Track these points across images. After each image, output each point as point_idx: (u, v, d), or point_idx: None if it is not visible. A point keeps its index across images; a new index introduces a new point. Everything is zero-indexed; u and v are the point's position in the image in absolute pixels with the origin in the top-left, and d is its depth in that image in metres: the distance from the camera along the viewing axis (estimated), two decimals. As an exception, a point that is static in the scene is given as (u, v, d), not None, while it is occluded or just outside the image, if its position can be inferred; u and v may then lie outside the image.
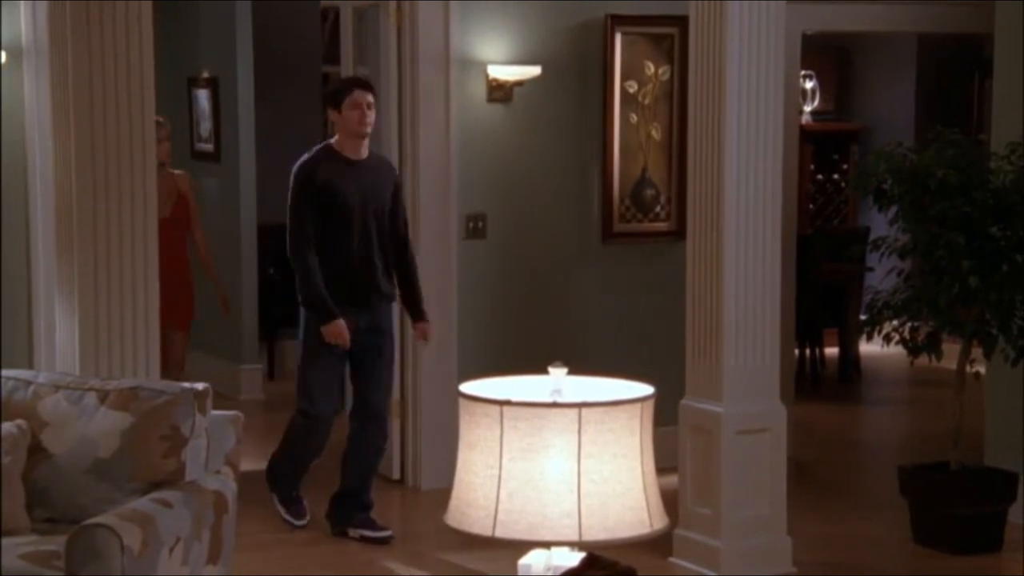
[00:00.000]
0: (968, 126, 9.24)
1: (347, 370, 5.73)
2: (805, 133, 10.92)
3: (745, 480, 5.20)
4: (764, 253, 5.22)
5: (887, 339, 5.74)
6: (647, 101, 6.78)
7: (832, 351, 9.56)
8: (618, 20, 6.64)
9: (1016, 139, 5.54)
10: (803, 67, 10.87)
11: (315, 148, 5.70)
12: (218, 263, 9.25)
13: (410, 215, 6.44)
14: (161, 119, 5.95)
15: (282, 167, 9.10)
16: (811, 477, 6.94)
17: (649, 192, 6.87)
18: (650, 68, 6.77)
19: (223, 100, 8.57)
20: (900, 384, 9.40)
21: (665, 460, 5.61)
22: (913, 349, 5.65)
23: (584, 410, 2.73)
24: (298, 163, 5.60)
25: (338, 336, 5.48)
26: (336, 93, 5.54)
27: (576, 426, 2.72)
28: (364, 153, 5.56)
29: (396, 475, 6.61)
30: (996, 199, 5.42)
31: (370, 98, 5.48)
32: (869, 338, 5.75)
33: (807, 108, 11.04)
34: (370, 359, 5.63)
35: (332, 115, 5.56)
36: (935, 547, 5.55)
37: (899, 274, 5.78)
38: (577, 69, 6.64)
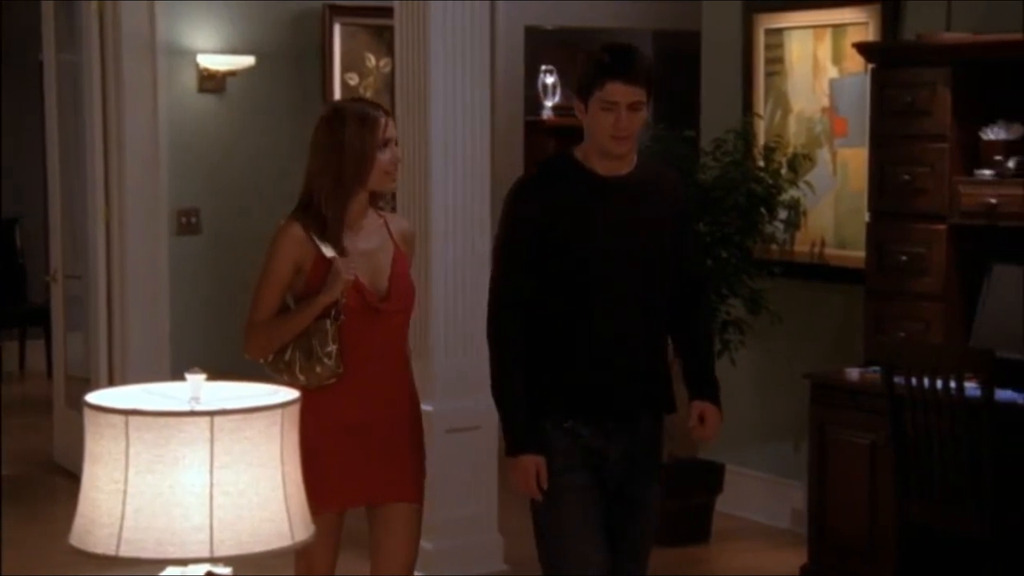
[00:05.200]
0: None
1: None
2: (546, 128, 11.01)
3: (456, 479, 5.14)
4: (474, 250, 5.18)
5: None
6: (369, 93, 6.69)
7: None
8: (336, 10, 6.53)
9: (720, 135, 5.64)
10: (544, 62, 11.00)
11: (546, 158, 3.77)
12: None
13: (115, 212, 6.17)
14: (380, 106, 3.54)
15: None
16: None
17: (373, 187, 6.76)
18: (371, 60, 6.68)
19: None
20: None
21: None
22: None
23: (217, 418, 2.59)
24: (516, 182, 3.50)
25: (521, 480, 3.36)
26: (583, 81, 3.34)
27: (208, 435, 2.58)
28: (626, 166, 3.40)
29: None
30: (701, 194, 5.50)
31: (637, 94, 3.27)
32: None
33: (548, 103, 11.11)
34: (627, 510, 3.49)
35: (577, 109, 3.38)
36: (660, 542, 5.58)
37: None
38: (294, 60, 6.51)
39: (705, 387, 3.54)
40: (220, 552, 2.57)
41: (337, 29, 6.55)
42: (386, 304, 3.46)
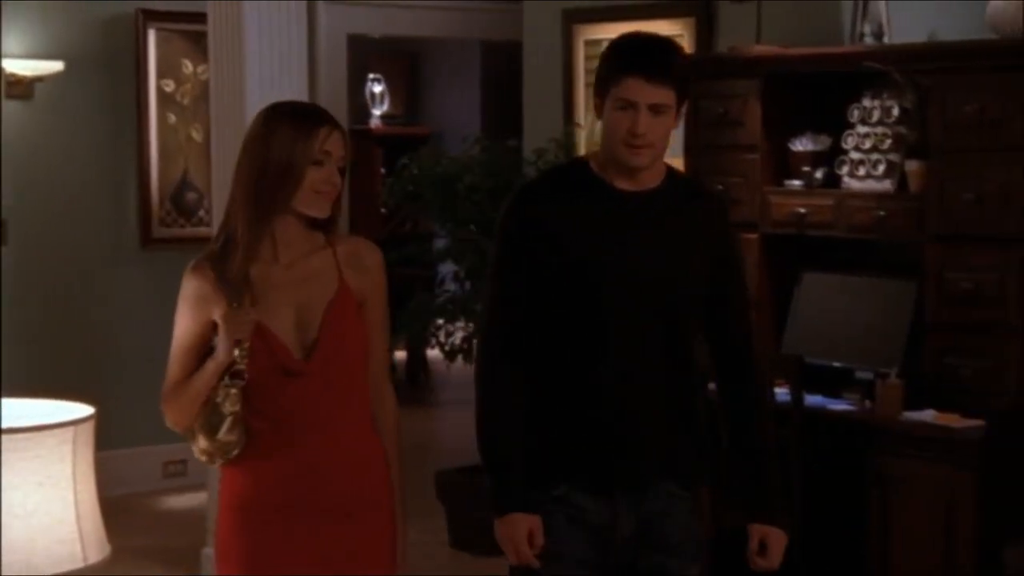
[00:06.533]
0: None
1: None
2: (374, 136, 10.97)
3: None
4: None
5: (424, 342, 5.76)
6: (186, 101, 6.55)
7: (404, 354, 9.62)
8: (150, 15, 6.37)
9: (543, 144, 5.66)
10: (372, 71, 10.97)
11: (556, 165, 3.23)
12: None
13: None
14: (326, 113, 2.77)
15: None
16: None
17: (191, 196, 6.64)
18: (188, 67, 6.54)
19: None
20: (470, 386, 9.52)
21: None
22: (448, 353, 5.69)
23: (4, 437, 2.49)
24: (513, 191, 2.93)
25: (512, 547, 2.80)
26: (600, 73, 2.81)
27: (-6, 456, 2.47)
28: (652, 180, 2.82)
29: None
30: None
31: (661, 94, 2.71)
32: (414, 342, 5.77)
33: (376, 112, 11.07)
34: None
35: (595, 106, 2.83)
36: (470, 550, 5.59)
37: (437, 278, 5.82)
38: (106, 65, 6.32)
39: (763, 503, 2.83)
40: (8, 576, 2.47)
41: (151, 34, 6.38)
42: (307, 364, 2.73)
